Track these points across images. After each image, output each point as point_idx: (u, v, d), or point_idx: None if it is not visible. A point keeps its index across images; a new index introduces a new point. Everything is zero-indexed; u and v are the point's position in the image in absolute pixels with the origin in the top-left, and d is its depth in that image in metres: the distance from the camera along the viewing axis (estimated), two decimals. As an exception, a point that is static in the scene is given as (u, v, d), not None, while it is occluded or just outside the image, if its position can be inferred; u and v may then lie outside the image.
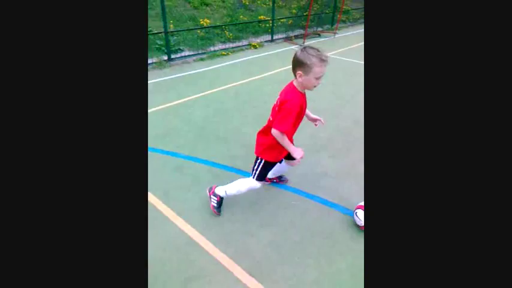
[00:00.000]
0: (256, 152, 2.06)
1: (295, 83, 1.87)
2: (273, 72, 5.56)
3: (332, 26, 10.02)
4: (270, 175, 2.44)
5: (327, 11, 10.20)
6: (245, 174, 2.70)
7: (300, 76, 1.78)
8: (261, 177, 2.07)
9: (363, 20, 11.82)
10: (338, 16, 9.91)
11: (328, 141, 3.28)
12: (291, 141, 2.00)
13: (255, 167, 2.06)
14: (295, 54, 1.78)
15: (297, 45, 7.59)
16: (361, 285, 1.76)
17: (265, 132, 2.01)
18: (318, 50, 1.75)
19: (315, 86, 1.82)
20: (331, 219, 2.24)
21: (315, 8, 9.57)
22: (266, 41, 7.91)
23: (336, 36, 8.85)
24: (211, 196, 2.26)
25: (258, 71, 5.58)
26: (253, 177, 2.08)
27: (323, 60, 1.73)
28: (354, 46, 7.75)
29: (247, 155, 2.97)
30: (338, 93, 4.62)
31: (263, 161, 2.02)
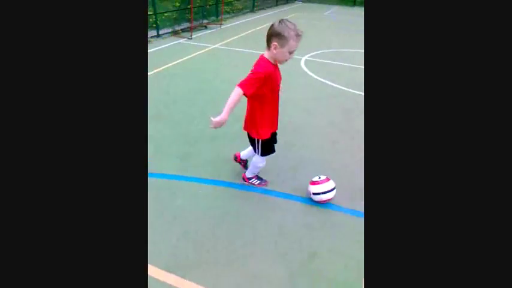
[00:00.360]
0: (248, 132, 2.23)
1: (266, 55, 1.93)
2: (164, 67, 5.42)
3: (217, 17, 10.19)
4: (242, 155, 2.62)
5: (210, 3, 10.31)
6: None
7: (275, 48, 1.83)
8: (265, 152, 2.27)
9: (246, 11, 12.33)
10: (221, 7, 10.12)
11: (225, 128, 3.41)
12: (274, 110, 2.17)
13: (256, 145, 2.24)
14: (273, 26, 1.83)
15: (184, 39, 7.52)
16: (272, 257, 1.95)
17: (247, 112, 2.17)
18: (295, 25, 1.82)
19: (286, 60, 1.91)
20: (238, 200, 2.38)
21: (198, 0, 9.57)
22: (152, 36, 7.59)
23: (222, 27, 9.05)
24: (250, 182, 2.51)
25: (148, 67, 5.36)
26: (259, 154, 2.28)
27: (299, 35, 1.82)
28: (239, 36, 8.08)
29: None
30: (228, 82, 4.80)
31: (260, 141, 2.20)
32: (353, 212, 2.30)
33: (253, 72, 1.90)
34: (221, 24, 9.30)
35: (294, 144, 3.15)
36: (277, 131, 2.33)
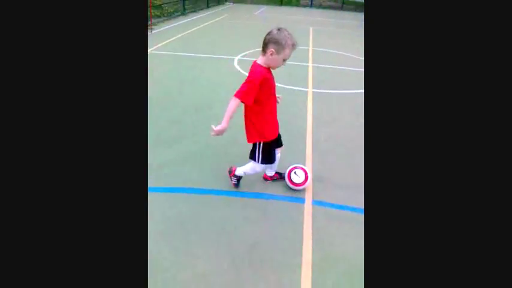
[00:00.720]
0: (248, 140, 2.26)
1: (260, 61, 2.04)
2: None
3: (147, 22, 9.87)
4: (269, 173, 2.57)
5: (138, 7, 9.93)
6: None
7: (272, 54, 1.95)
8: (265, 160, 2.29)
9: (177, 14, 12.11)
10: (150, 11, 9.82)
11: (161, 132, 3.37)
12: (274, 114, 2.25)
13: (256, 152, 2.26)
14: (271, 33, 1.95)
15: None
16: (217, 255, 1.99)
17: (246, 118, 2.21)
18: (292, 35, 1.96)
19: (278, 66, 2.03)
20: (178, 203, 2.38)
21: (124, 5, 9.17)
22: (76, 46, 7.11)
23: (153, 32, 8.80)
24: (232, 177, 2.49)
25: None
26: (258, 162, 2.29)
27: (294, 45, 1.96)
28: (171, 40, 7.94)
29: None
30: (163, 86, 4.73)
31: (261, 144, 2.22)
32: (291, 199, 2.45)
33: (249, 80, 2.01)
34: (152, 28, 9.03)
35: (236, 140, 3.21)
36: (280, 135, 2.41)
